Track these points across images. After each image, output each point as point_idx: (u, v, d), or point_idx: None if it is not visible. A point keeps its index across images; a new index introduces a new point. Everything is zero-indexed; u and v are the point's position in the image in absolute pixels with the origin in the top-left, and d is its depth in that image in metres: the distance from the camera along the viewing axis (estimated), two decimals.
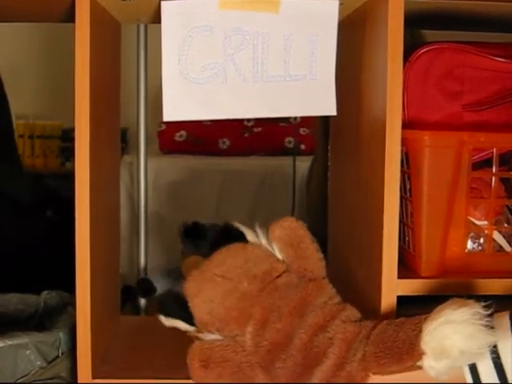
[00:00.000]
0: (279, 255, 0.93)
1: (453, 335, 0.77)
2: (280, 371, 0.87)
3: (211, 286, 0.89)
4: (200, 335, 0.91)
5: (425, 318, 0.80)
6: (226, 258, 0.91)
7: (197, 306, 0.89)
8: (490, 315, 0.80)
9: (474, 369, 0.81)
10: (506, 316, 0.82)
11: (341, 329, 0.86)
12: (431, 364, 0.78)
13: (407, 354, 0.79)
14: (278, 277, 0.90)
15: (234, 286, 0.89)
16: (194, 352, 0.89)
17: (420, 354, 0.78)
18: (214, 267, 0.91)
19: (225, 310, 0.88)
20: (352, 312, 0.90)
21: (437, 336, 0.78)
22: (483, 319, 0.78)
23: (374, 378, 0.84)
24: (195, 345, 0.90)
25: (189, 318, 0.90)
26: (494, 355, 0.80)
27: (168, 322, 0.92)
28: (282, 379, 0.87)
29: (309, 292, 0.90)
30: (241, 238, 0.94)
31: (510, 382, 0.80)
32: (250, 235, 0.94)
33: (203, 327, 0.90)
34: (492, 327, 0.78)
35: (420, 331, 0.79)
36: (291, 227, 0.93)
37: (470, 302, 0.80)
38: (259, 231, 0.94)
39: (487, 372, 0.80)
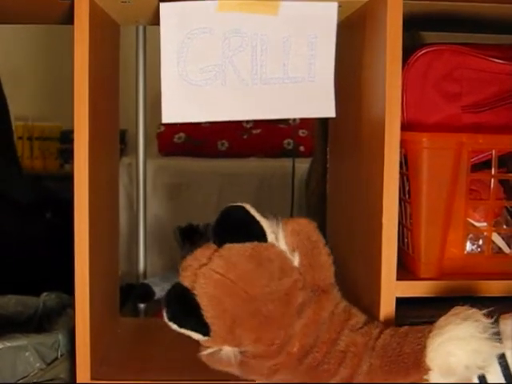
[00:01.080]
0: (296, 263, 0.88)
1: (457, 351, 0.77)
2: None
3: (234, 302, 0.84)
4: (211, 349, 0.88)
5: (428, 332, 0.80)
6: (250, 272, 0.85)
7: (214, 318, 0.84)
8: (495, 321, 0.80)
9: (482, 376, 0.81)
10: (510, 319, 0.82)
11: (351, 340, 0.85)
12: (438, 380, 0.78)
13: (413, 368, 0.79)
14: (298, 295, 0.86)
15: (258, 308, 0.84)
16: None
17: (426, 370, 0.78)
18: (236, 278, 0.84)
19: (246, 332, 0.85)
20: (357, 318, 0.89)
21: (441, 353, 0.77)
22: (487, 330, 0.77)
23: None
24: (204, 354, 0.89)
25: (200, 325, 0.84)
26: (500, 359, 0.80)
27: (180, 330, 0.86)
28: None
29: (321, 306, 0.87)
30: (251, 228, 0.87)
31: None
32: (270, 234, 0.87)
33: (219, 341, 0.86)
34: (497, 334, 0.78)
35: (424, 346, 0.79)
36: (304, 231, 0.88)
37: (473, 312, 0.79)
38: (280, 232, 0.88)
39: (494, 373, 0.80)
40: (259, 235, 0.87)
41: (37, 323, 1.26)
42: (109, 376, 1.00)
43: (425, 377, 0.79)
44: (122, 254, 1.31)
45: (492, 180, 0.99)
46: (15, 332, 1.07)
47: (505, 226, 1.03)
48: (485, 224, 1.01)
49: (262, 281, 0.85)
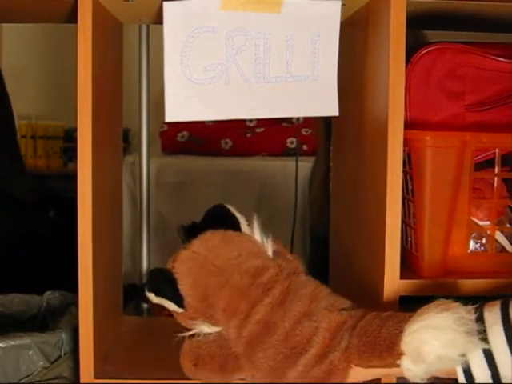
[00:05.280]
0: (270, 252, 0.93)
1: (431, 340, 0.76)
2: (263, 361, 0.87)
3: (204, 273, 0.90)
4: (188, 324, 0.92)
5: (409, 317, 0.80)
6: (219, 247, 0.91)
7: (188, 289, 0.90)
8: (479, 309, 0.80)
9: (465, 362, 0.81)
10: (496, 306, 0.81)
11: (326, 318, 0.86)
12: (408, 366, 0.78)
13: (387, 351, 0.80)
14: (267, 270, 0.91)
15: (227, 279, 0.89)
16: (184, 353, 0.93)
17: (399, 354, 0.78)
18: (206, 251, 0.91)
19: (216, 301, 0.89)
20: (339, 301, 0.90)
21: (416, 339, 0.77)
22: (467, 324, 0.77)
23: (355, 370, 0.84)
24: (185, 345, 0.93)
25: (176, 296, 0.90)
26: (484, 347, 0.79)
27: (156, 299, 0.91)
28: (265, 369, 0.87)
29: (292, 282, 0.90)
30: (230, 221, 0.95)
31: (500, 373, 0.79)
32: (244, 225, 0.95)
33: (192, 312, 0.91)
34: (479, 330, 0.78)
35: (401, 331, 0.79)
36: (275, 244, 0.95)
37: (456, 305, 0.79)
38: (255, 224, 0.95)
39: (478, 363, 0.80)
40: (234, 226, 0.95)
41: (40, 322, 1.26)
42: (112, 374, 1.00)
43: (397, 361, 0.79)
44: (125, 252, 1.31)
45: (495, 179, 0.99)
46: (19, 331, 1.07)
47: (508, 225, 1.03)
48: (488, 223, 1.01)
49: (229, 255, 0.91)
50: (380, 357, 0.81)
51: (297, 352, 0.86)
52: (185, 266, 0.91)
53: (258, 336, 0.88)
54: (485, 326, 0.79)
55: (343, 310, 0.88)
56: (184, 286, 0.90)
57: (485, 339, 0.78)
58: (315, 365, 0.85)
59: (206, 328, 0.92)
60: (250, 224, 0.95)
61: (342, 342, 0.84)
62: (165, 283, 0.91)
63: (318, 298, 0.89)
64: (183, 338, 0.94)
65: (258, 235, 0.95)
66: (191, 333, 0.92)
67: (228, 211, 0.96)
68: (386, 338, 0.81)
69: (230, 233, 0.93)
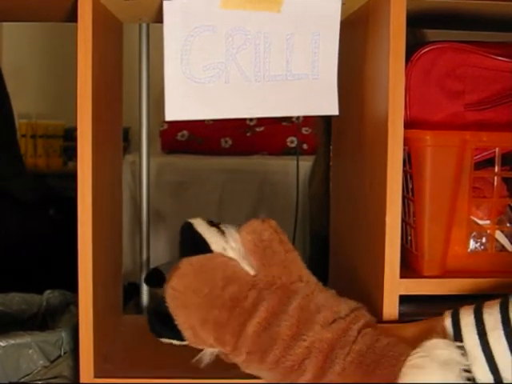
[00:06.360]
0: (247, 266, 0.89)
1: None
2: None
3: (188, 313, 0.88)
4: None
5: (403, 359, 0.79)
6: (194, 283, 0.88)
7: (182, 325, 0.89)
8: (477, 320, 0.79)
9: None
10: (495, 307, 0.81)
11: (318, 337, 0.84)
12: None
13: None
14: (245, 297, 0.88)
15: (206, 316, 0.87)
16: None
17: None
18: (185, 289, 0.89)
19: (206, 336, 0.88)
20: (331, 308, 0.87)
21: None
22: (466, 379, 0.77)
23: None
24: None
25: (176, 333, 0.91)
26: (485, 349, 0.79)
27: (163, 341, 0.92)
28: None
29: (276, 301, 0.87)
30: (192, 239, 0.92)
31: (503, 376, 0.79)
32: (214, 244, 0.90)
33: (193, 345, 0.91)
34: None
35: (396, 378, 0.78)
36: (256, 232, 0.90)
37: (451, 352, 0.78)
38: (230, 240, 0.90)
39: (479, 365, 0.79)
40: (204, 248, 0.90)
41: (40, 321, 1.26)
42: (112, 373, 1.00)
43: None
44: (125, 251, 1.31)
45: (495, 178, 0.99)
46: (19, 330, 1.07)
47: (508, 224, 1.03)
48: (488, 222, 1.01)
49: (204, 290, 0.88)
50: None
51: (291, 378, 0.84)
52: (173, 304, 0.89)
53: (251, 365, 0.88)
54: (485, 330, 0.79)
55: (334, 322, 0.85)
56: (178, 322, 0.89)
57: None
58: None
59: (213, 350, 0.91)
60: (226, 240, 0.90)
61: (336, 365, 0.82)
62: (162, 323, 0.91)
63: (306, 311, 0.87)
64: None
65: (231, 252, 0.89)
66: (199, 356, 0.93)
67: (195, 233, 0.91)
68: (380, 377, 0.80)
69: (203, 261, 0.89)
